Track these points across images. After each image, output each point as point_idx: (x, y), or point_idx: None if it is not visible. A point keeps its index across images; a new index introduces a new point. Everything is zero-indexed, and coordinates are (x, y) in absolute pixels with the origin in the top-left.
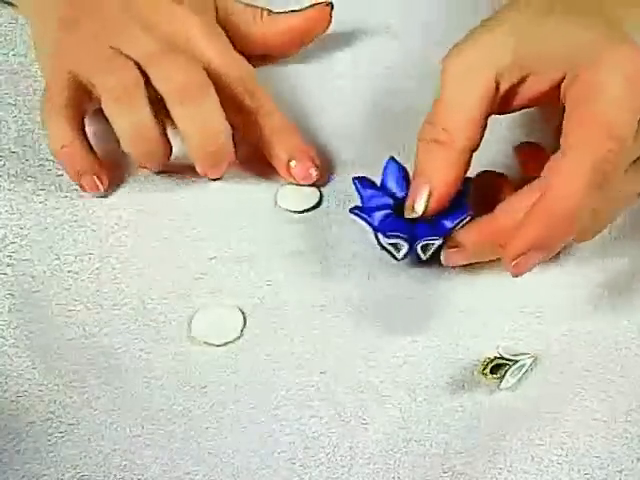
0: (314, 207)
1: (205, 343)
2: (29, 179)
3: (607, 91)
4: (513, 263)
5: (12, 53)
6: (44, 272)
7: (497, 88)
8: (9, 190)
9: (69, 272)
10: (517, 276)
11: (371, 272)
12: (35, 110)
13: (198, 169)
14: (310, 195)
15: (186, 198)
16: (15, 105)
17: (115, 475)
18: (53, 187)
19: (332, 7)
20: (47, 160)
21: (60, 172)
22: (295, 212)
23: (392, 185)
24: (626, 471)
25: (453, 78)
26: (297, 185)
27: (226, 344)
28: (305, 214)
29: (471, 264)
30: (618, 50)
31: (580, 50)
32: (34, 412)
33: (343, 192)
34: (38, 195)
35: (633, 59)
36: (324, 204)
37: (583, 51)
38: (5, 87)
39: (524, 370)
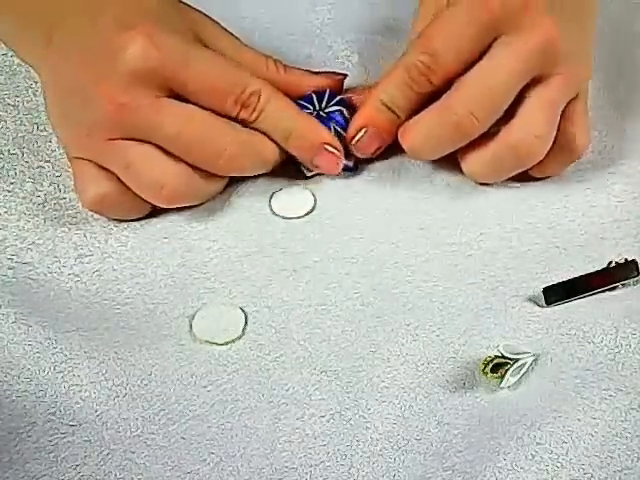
0: (309, 212)
1: (207, 342)
2: (28, 180)
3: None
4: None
5: (11, 53)
6: (45, 275)
7: None
8: (8, 192)
9: (69, 275)
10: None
11: (370, 272)
12: (34, 111)
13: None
14: (305, 200)
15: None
16: (14, 106)
17: (115, 475)
18: (52, 188)
19: (345, 77)
20: (46, 161)
21: (58, 173)
22: (291, 219)
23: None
24: (626, 470)
25: None
26: (290, 191)
27: (227, 343)
28: (302, 218)
29: (470, 266)
30: None
31: None
32: (34, 412)
33: (337, 195)
34: (37, 196)
35: None
36: (319, 208)
37: None
38: (5, 87)
39: (525, 369)
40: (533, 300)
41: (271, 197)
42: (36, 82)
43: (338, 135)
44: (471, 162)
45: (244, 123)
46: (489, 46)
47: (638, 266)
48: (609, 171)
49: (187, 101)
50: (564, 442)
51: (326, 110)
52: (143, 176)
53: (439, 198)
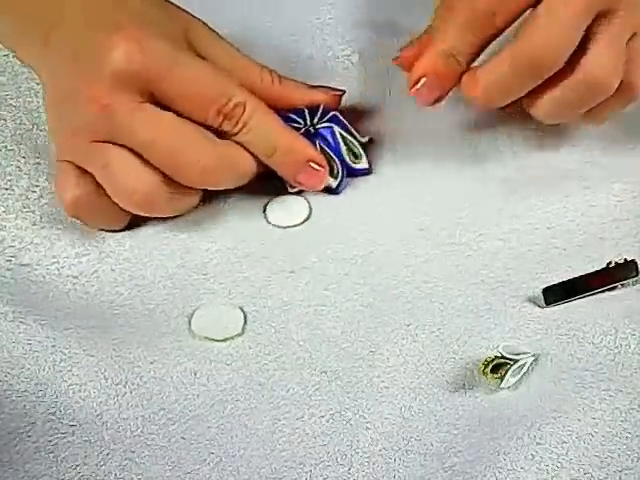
0: (305, 220)
1: (205, 338)
2: (24, 177)
3: None
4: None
5: (13, 54)
6: (43, 277)
7: None
8: (6, 189)
9: (67, 277)
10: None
11: (370, 272)
12: (34, 111)
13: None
14: (300, 209)
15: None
16: (16, 106)
17: (115, 475)
18: (47, 183)
19: (344, 93)
20: (43, 158)
21: (55, 171)
22: (286, 227)
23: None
24: (626, 471)
25: None
26: (285, 199)
27: (226, 340)
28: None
29: (470, 266)
30: None
31: None
32: (34, 412)
33: (332, 202)
34: (33, 192)
35: None
36: (315, 216)
37: None
38: (7, 88)
39: (524, 370)
40: (533, 300)
41: (265, 206)
42: (38, 83)
43: (324, 153)
44: (541, 102)
45: (226, 135)
46: None
47: (637, 266)
48: (609, 171)
49: (172, 109)
50: (564, 442)
51: (317, 126)
52: (118, 179)
53: (439, 198)
